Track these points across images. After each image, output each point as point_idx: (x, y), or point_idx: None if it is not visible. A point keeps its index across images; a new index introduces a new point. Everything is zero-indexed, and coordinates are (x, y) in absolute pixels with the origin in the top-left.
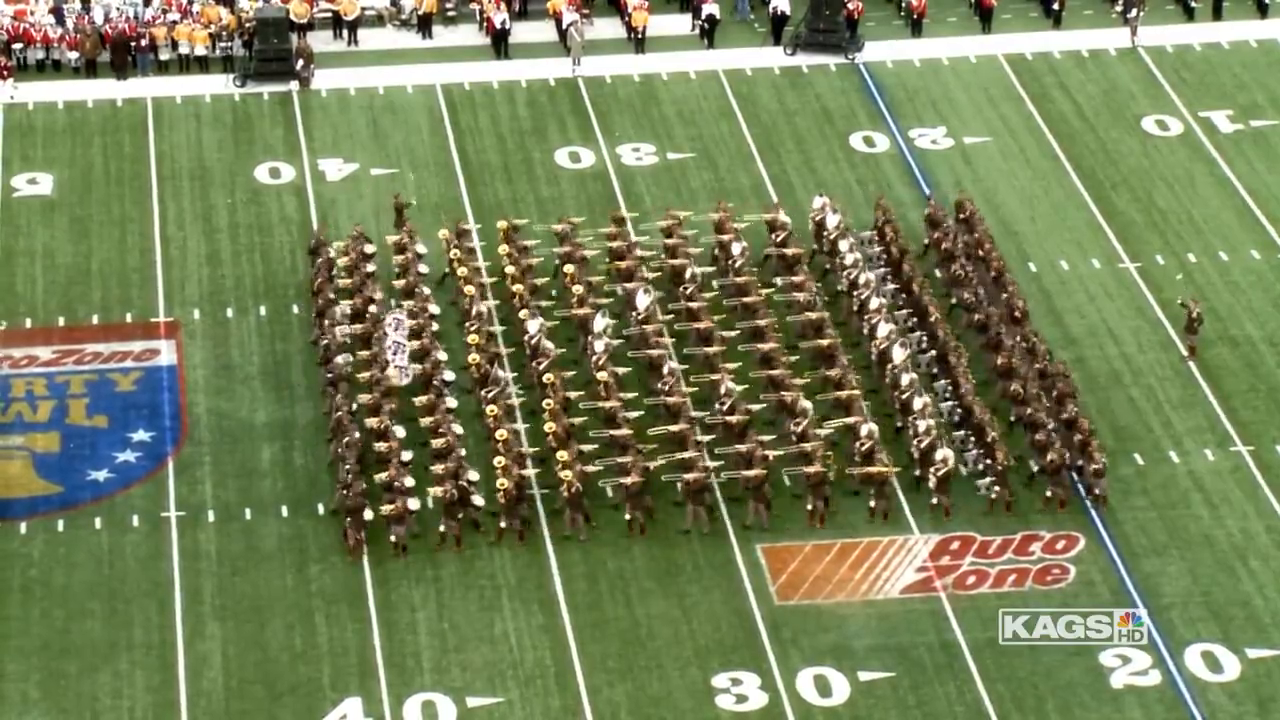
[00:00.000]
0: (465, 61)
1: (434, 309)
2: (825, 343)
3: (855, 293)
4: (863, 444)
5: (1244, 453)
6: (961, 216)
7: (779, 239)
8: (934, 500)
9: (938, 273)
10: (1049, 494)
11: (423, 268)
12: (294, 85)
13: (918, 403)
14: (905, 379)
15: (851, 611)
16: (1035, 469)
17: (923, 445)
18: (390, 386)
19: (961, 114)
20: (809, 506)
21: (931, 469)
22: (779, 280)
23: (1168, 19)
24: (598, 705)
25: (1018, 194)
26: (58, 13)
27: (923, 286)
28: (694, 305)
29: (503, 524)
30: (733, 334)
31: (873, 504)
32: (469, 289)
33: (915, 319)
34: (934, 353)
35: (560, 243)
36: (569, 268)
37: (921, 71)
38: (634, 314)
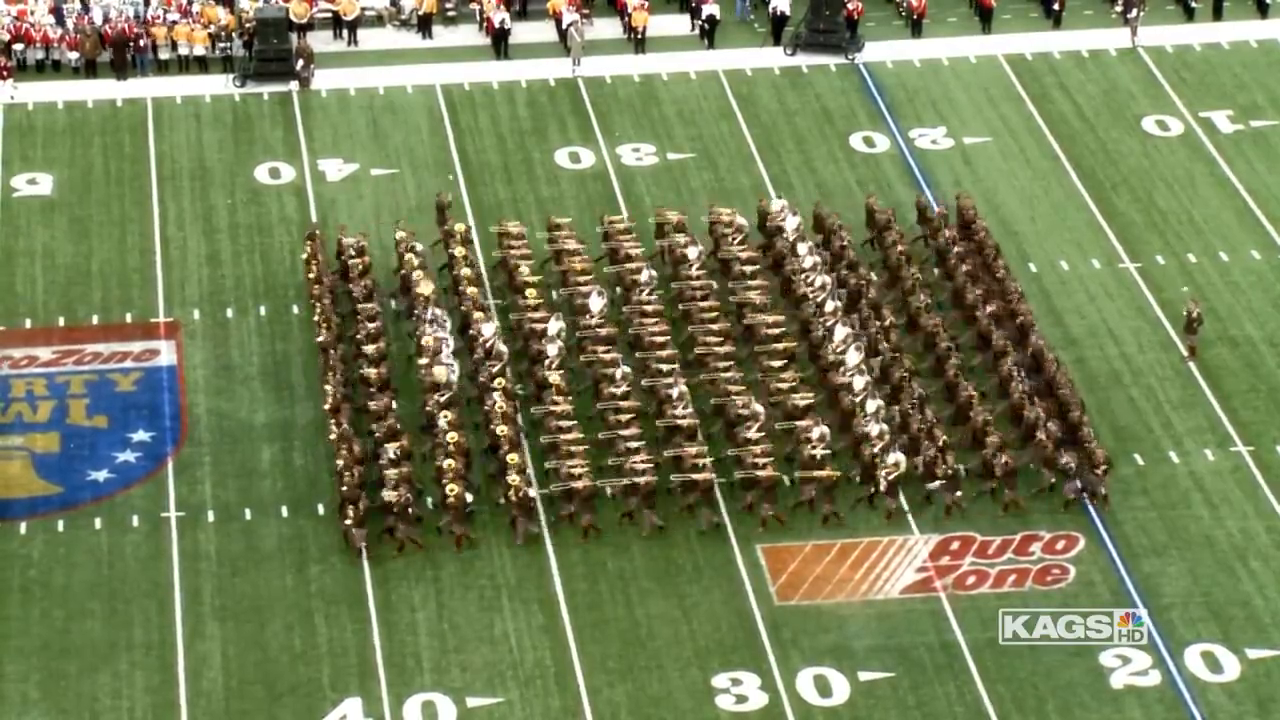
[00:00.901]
0: (465, 61)
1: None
2: (780, 346)
3: (813, 295)
4: (814, 447)
5: (1244, 453)
6: (964, 221)
7: (735, 241)
8: (888, 504)
9: (935, 270)
10: (1067, 499)
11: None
12: (294, 85)
13: (870, 406)
14: (859, 382)
15: (851, 612)
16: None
17: (875, 449)
18: (434, 382)
19: (961, 114)
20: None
21: (883, 472)
22: (732, 282)
23: (1168, 19)
24: (598, 705)
25: (1018, 194)
26: (57, 13)
27: (912, 289)
28: (647, 308)
29: (455, 530)
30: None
31: (820, 508)
32: (425, 288)
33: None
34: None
35: (499, 244)
36: (523, 269)
37: (921, 72)
38: (587, 316)
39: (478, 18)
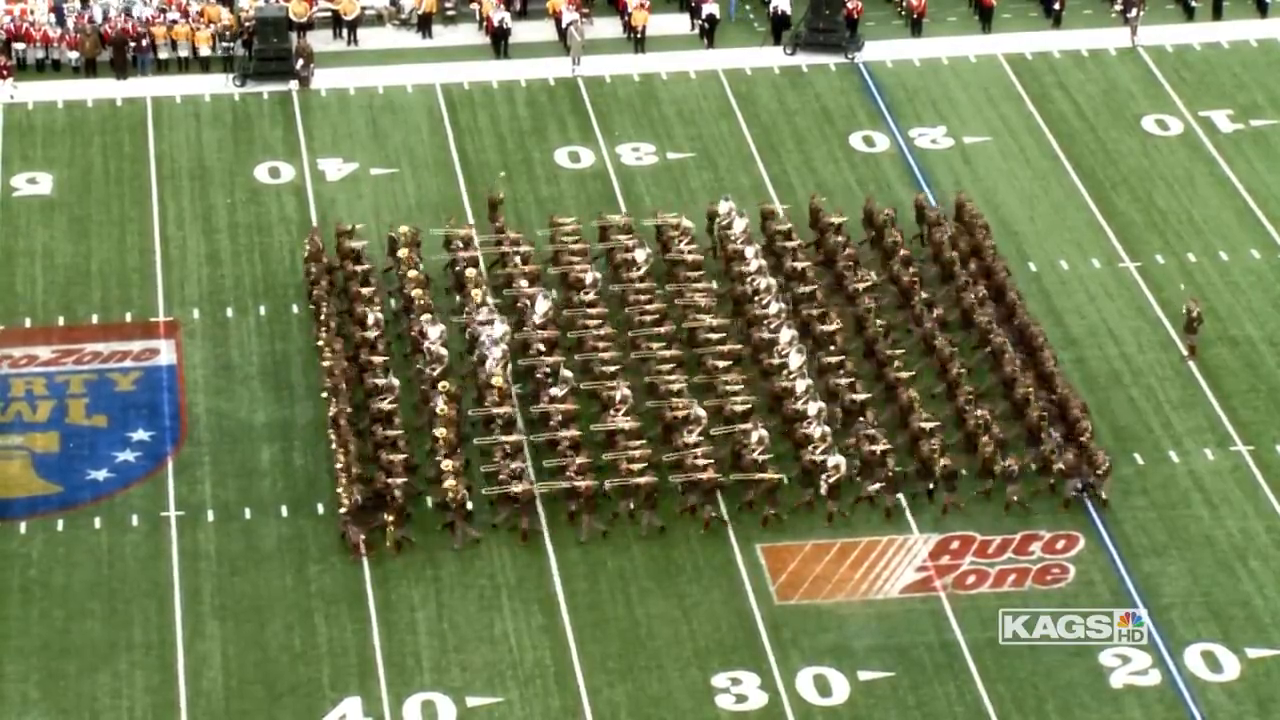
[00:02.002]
0: (465, 61)
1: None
2: (724, 349)
3: (757, 298)
4: (752, 450)
5: (1244, 453)
6: (963, 220)
7: (683, 244)
8: (828, 507)
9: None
10: (1066, 499)
11: (518, 259)
12: (294, 85)
13: (812, 409)
14: (801, 385)
15: (851, 611)
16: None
17: (815, 452)
18: (489, 378)
19: (961, 114)
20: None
21: (824, 476)
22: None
23: (1168, 18)
24: (598, 705)
25: (1017, 194)
26: (58, 11)
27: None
28: (592, 310)
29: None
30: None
31: (767, 512)
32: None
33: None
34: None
35: (447, 246)
36: (470, 272)
37: (921, 71)
38: (533, 320)
39: (477, 17)
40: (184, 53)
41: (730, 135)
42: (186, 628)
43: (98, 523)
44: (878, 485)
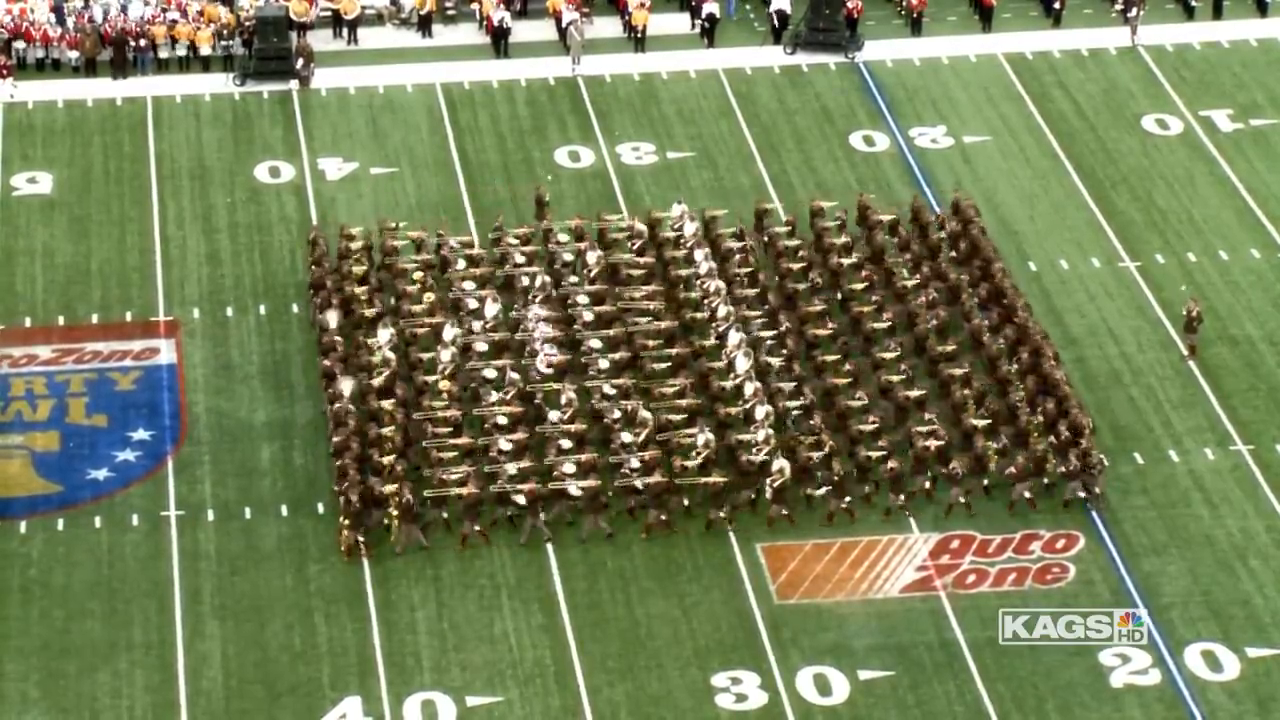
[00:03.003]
0: (465, 60)
1: (582, 299)
2: (673, 351)
3: (707, 301)
4: (698, 453)
5: (1244, 452)
6: (961, 221)
7: (634, 247)
8: (771, 511)
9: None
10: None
11: (567, 256)
12: (294, 84)
13: (759, 412)
14: (749, 388)
15: (851, 611)
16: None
17: (760, 455)
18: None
19: (961, 113)
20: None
21: (768, 479)
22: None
23: (1168, 18)
24: (598, 705)
25: (1017, 193)
26: (58, 11)
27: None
28: (542, 313)
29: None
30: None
31: (711, 515)
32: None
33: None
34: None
35: (417, 250)
36: (419, 275)
37: (921, 71)
38: (482, 322)
39: (477, 16)
40: (184, 52)
41: (730, 135)
42: (186, 627)
43: (98, 522)
44: (825, 488)
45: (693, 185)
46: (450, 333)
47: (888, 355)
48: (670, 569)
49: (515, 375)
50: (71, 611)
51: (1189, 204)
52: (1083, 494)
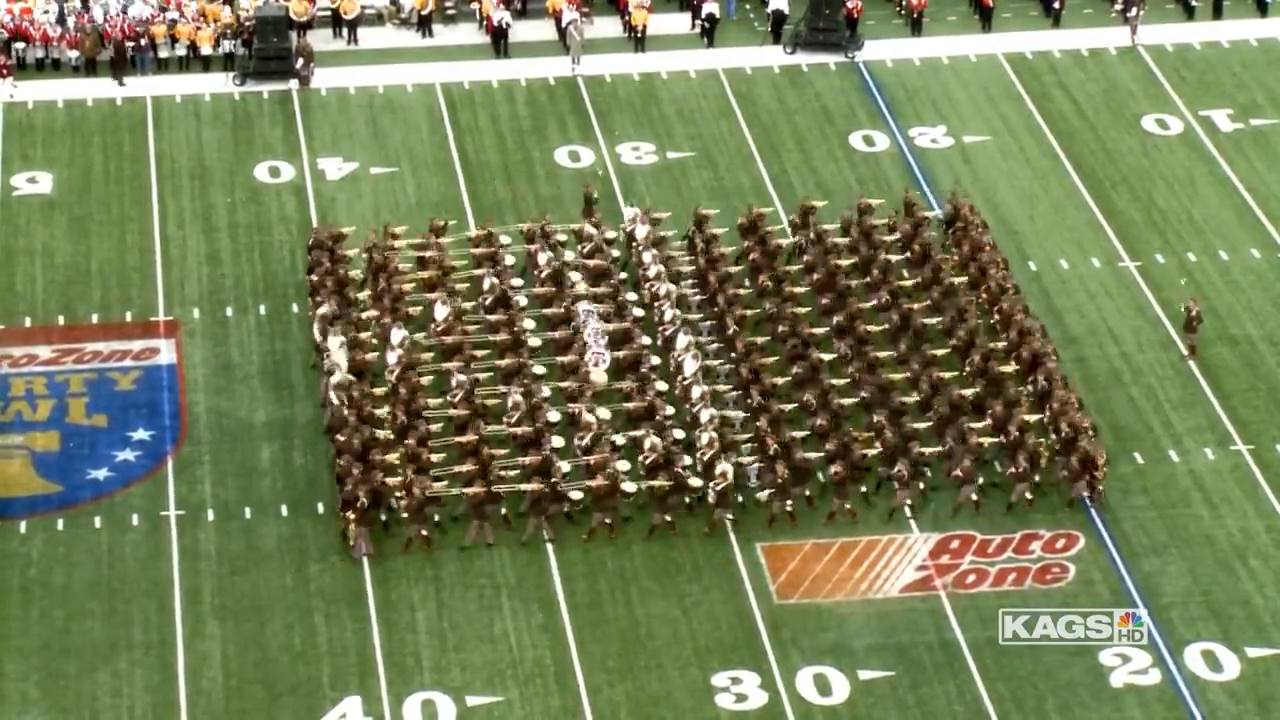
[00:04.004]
0: (465, 60)
1: (631, 295)
2: (623, 353)
3: (656, 304)
4: (646, 457)
5: (1244, 452)
6: (958, 224)
7: (585, 250)
8: (716, 514)
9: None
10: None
11: (614, 253)
12: (294, 84)
13: (705, 415)
14: (696, 391)
15: (851, 610)
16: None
17: (705, 458)
18: (588, 373)
19: (961, 113)
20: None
21: (711, 483)
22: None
23: (1167, 18)
24: (597, 705)
25: (1017, 193)
26: (59, 11)
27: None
28: (493, 317)
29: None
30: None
31: (655, 518)
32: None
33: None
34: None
35: (370, 251)
36: (354, 274)
37: (921, 70)
38: (433, 325)
39: (477, 16)
40: (184, 52)
41: (730, 134)
42: (186, 627)
43: (98, 522)
44: (769, 491)
45: (693, 185)
46: (398, 335)
47: (908, 352)
48: (670, 569)
49: (462, 378)
50: (71, 611)
51: (1189, 204)
52: (1086, 494)
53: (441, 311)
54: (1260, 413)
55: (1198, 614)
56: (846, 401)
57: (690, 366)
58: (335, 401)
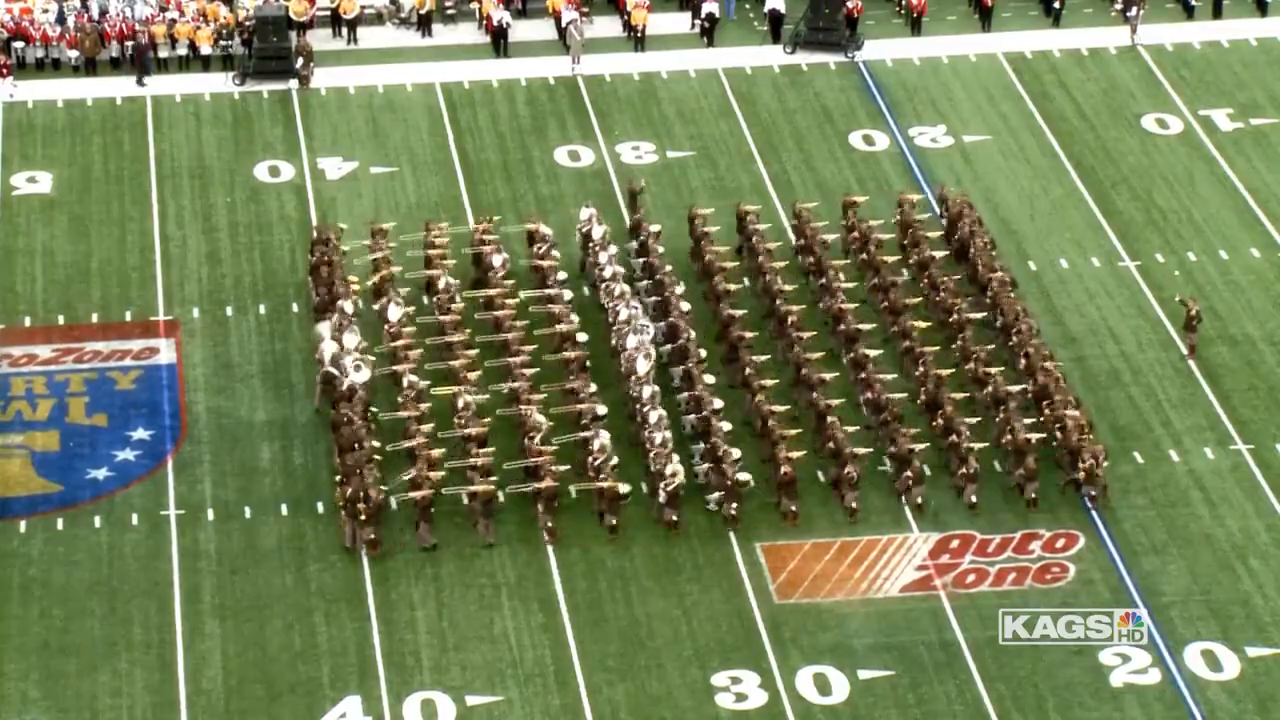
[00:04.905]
0: (465, 60)
1: (679, 289)
2: (571, 355)
3: (611, 305)
4: (594, 458)
5: (1244, 451)
6: (951, 217)
7: (539, 251)
8: (667, 515)
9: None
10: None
11: (660, 248)
12: (293, 83)
13: (653, 416)
14: (646, 391)
15: (851, 610)
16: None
17: (657, 459)
18: (633, 369)
19: (961, 112)
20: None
21: (662, 484)
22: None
23: (1167, 17)
24: (597, 704)
25: (1017, 192)
26: (59, 11)
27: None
28: (444, 318)
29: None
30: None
31: (609, 521)
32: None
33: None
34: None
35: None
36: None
37: (921, 70)
38: (386, 327)
39: (477, 16)
40: (184, 51)
41: (730, 134)
42: (186, 627)
43: (98, 522)
44: (718, 494)
45: (693, 185)
46: (351, 340)
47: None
48: (670, 569)
49: (414, 379)
50: (71, 611)
51: (1189, 203)
52: (1090, 498)
53: (395, 313)
54: (1260, 412)
55: (1197, 614)
56: (897, 396)
57: (643, 367)
58: (319, 387)
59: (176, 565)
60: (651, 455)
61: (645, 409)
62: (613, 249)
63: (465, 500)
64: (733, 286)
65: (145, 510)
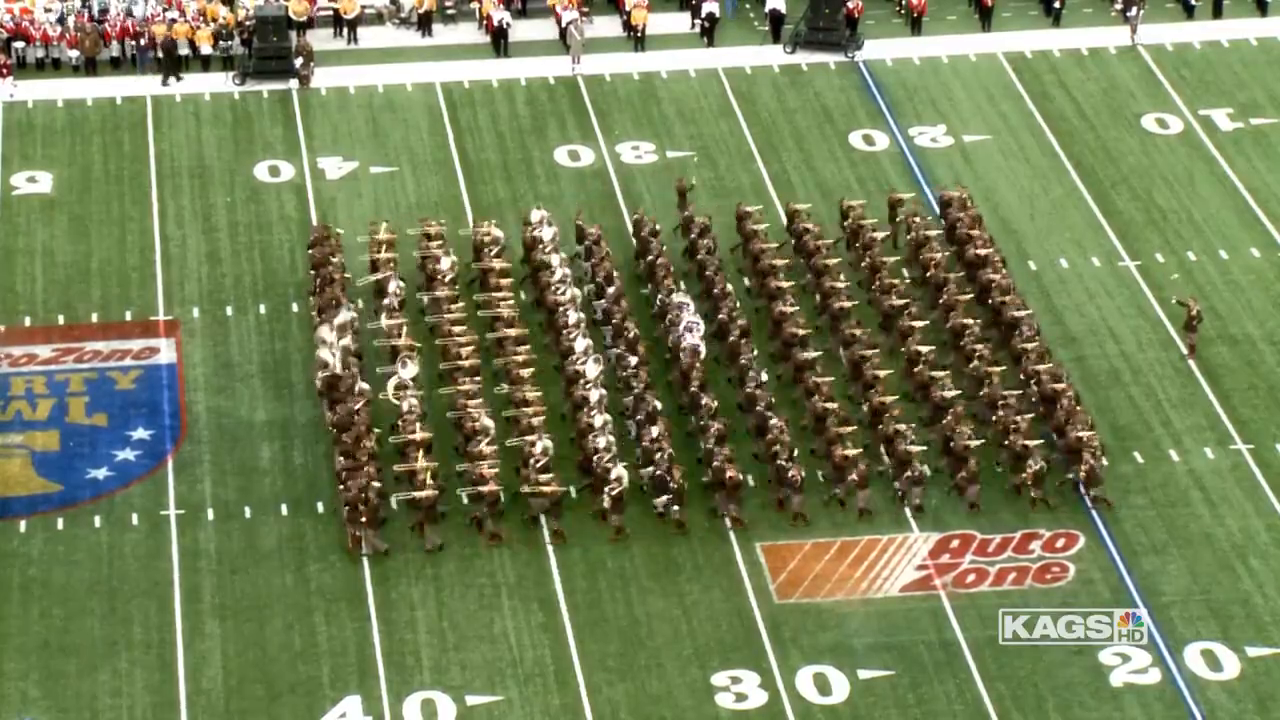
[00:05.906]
0: (465, 59)
1: (729, 286)
2: (520, 358)
3: (560, 309)
4: (537, 461)
5: (1244, 451)
6: (951, 217)
7: (492, 253)
8: (612, 520)
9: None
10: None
11: (708, 244)
12: (294, 83)
13: (598, 420)
14: (594, 395)
15: (851, 610)
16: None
17: (602, 463)
18: (689, 365)
19: (961, 112)
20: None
21: (607, 488)
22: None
23: (1167, 17)
24: (597, 704)
25: (1017, 192)
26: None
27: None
28: (390, 321)
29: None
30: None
31: (552, 526)
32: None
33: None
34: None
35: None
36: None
37: (921, 70)
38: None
39: (477, 16)
40: (184, 51)
41: (730, 134)
42: (186, 626)
43: (98, 521)
44: (666, 498)
45: (693, 185)
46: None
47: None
48: (670, 569)
49: (365, 385)
50: (71, 611)
51: (1189, 203)
52: (1093, 492)
53: (345, 315)
54: (1260, 412)
55: (1197, 613)
56: (949, 394)
57: (592, 370)
58: (318, 387)
59: (176, 565)
60: (597, 458)
61: (592, 412)
62: (563, 253)
63: (404, 504)
64: (785, 284)
65: (145, 510)
